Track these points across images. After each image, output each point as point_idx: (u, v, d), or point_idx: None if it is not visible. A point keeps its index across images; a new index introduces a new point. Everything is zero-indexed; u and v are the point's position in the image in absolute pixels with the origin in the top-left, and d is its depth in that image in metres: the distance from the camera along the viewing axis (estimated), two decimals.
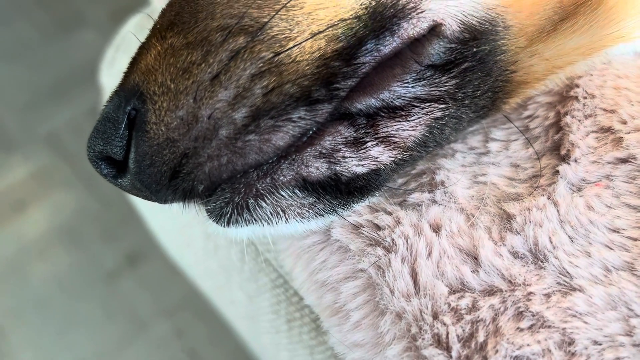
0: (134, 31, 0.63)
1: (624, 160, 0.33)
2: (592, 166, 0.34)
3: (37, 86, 1.96)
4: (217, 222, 0.33)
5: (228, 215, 0.31)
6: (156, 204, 0.34)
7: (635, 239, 0.31)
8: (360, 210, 0.34)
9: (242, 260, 0.50)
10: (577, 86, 0.36)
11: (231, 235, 0.34)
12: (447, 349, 0.28)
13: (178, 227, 0.59)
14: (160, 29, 0.32)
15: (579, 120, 0.35)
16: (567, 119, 0.35)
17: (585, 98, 0.36)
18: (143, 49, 0.33)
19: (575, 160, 0.34)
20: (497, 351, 0.28)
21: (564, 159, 0.34)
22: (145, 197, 0.34)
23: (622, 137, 0.34)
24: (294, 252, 0.36)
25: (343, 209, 0.33)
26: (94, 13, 2.13)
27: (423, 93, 0.31)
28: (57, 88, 1.94)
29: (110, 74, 0.64)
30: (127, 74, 0.33)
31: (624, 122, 0.34)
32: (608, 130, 0.35)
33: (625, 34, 0.35)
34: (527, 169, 0.35)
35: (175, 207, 0.35)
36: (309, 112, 0.29)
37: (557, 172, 0.33)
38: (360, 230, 0.33)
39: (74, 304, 1.54)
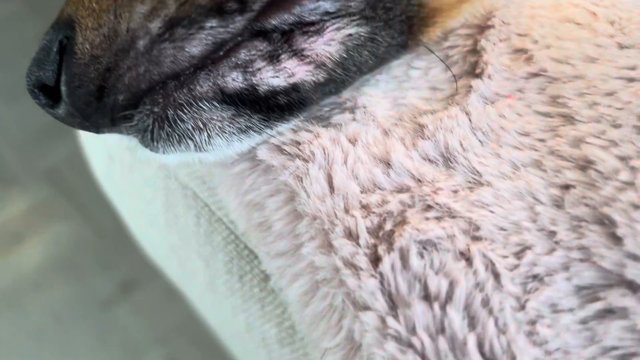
0: None
1: (535, 74, 0.35)
2: (505, 82, 0.35)
3: (38, 124, 2.00)
4: (142, 143, 0.34)
5: (150, 128, 0.33)
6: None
7: (544, 140, 0.32)
8: (285, 132, 0.35)
9: (198, 223, 0.51)
10: (494, 17, 0.38)
11: (161, 161, 0.35)
12: (357, 237, 0.29)
13: (143, 208, 0.60)
14: None
15: (494, 44, 0.37)
16: (483, 42, 0.37)
17: (501, 25, 0.38)
18: None
19: (489, 77, 0.35)
20: (401, 236, 0.28)
21: (478, 76, 0.35)
22: (81, 126, 0.36)
23: (533, 55, 0.35)
24: (228, 182, 0.38)
25: (265, 126, 0.34)
26: None
27: (332, 8, 0.33)
28: (56, 125, 1.98)
29: None
30: (62, 9, 0.35)
31: (536, 42, 0.36)
32: (521, 50, 0.36)
33: None
34: (444, 89, 0.36)
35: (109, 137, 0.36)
36: (221, 21, 0.31)
37: (471, 86, 0.35)
38: (282, 147, 0.35)
39: (69, 333, 1.54)
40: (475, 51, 0.37)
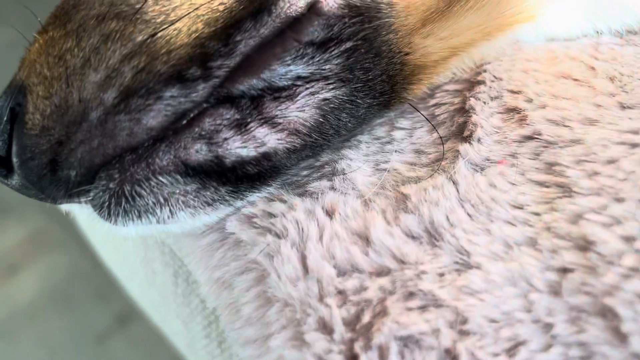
0: None
1: (529, 137, 0.32)
2: (497, 145, 0.32)
3: None
4: (101, 217, 0.31)
5: (107, 204, 0.30)
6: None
7: (539, 214, 0.29)
8: (256, 202, 0.33)
9: (175, 283, 0.48)
10: (485, 71, 0.36)
11: (122, 233, 0.32)
12: (330, 332, 0.26)
13: (122, 259, 0.57)
14: (45, 25, 0.32)
15: (484, 102, 0.34)
16: (472, 101, 0.34)
17: (492, 81, 0.35)
18: (29, 45, 0.32)
19: (478, 140, 0.32)
20: (380, 331, 0.25)
21: (467, 140, 0.32)
22: (36, 197, 0.33)
23: (527, 115, 0.33)
24: (197, 255, 0.35)
25: (234, 198, 0.31)
26: None
27: (305, 72, 0.30)
28: None
29: None
30: (15, 74, 0.33)
31: (530, 100, 0.33)
32: (513, 109, 0.33)
33: (523, 11, 0.34)
34: (430, 153, 0.33)
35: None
36: (181, 90, 0.28)
37: (458, 151, 0.32)
38: (253, 219, 0.32)
39: None
40: (463, 110, 0.34)
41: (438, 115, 0.35)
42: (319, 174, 0.34)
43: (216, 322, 0.44)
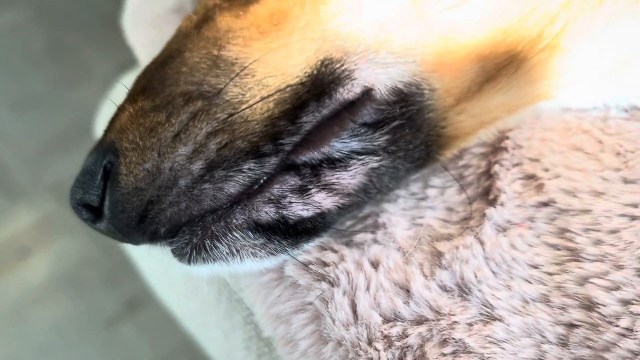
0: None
1: (545, 204, 0.38)
2: (517, 209, 0.38)
3: (45, 137, 2.02)
4: (180, 261, 0.37)
5: (188, 254, 0.35)
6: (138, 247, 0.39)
7: (551, 274, 0.35)
8: (310, 249, 0.38)
9: (219, 299, 0.54)
10: (507, 138, 0.41)
11: (194, 273, 0.38)
12: None
13: (163, 271, 0.63)
14: (133, 94, 0.37)
15: (507, 169, 0.39)
16: (496, 167, 0.39)
17: (513, 149, 0.40)
18: (119, 110, 0.38)
19: (502, 204, 0.38)
20: None
21: (492, 203, 0.38)
22: (119, 240, 0.38)
23: (544, 184, 0.38)
24: (254, 288, 0.40)
25: (293, 248, 0.37)
26: (102, 67, 2.21)
27: (359, 147, 0.36)
28: (63, 139, 2.00)
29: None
30: (105, 132, 0.38)
31: (546, 170, 0.39)
32: (532, 177, 0.39)
33: (544, 92, 0.40)
34: (459, 212, 0.39)
35: (146, 248, 0.39)
36: (257, 164, 0.34)
37: (485, 214, 0.37)
38: (309, 267, 0.37)
39: (73, 350, 1.56)
40: (488, 174, 0.40)
41: (466, 176, 0.40)
42: (362, 225, 0.39)
43: (256, 337, 0.50)
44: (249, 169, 0.34)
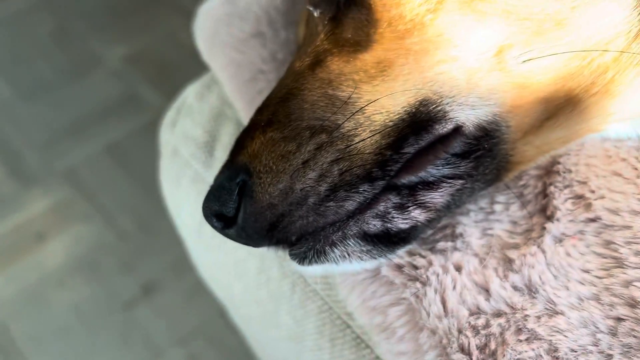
0: (194, 99, 0.76)
1: (593, 220, 0.46)
2: (570, 224, 0.46)
3: (56, 124, 2.06)
4: (299, 263, 0.45)
5: (310, 258, 0.44)
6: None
7: (600, 277, 0.44)
8: (402, 254, 0.47)
9: (293, 290, 0.62)
10: (559, 163, 0.50)
11: (307, 272, 0.46)
12: (469, 354, 0.41)
13: (231, 263, 0.71)
14: (261, 125, 0.45)
15: (560, 190, 0.48)
16: (551, 188, 0.48)
17: (564, 172, 0.49)
18: (247, 137, 0.45)
19: (557, 219, 0.46)
20: (504, 356, 0.40)
21: (549, 218, 0.47)
22: (244, 243, 0.46)
23: (591, 203, 0.47)
24: (349, 284, 0.49)
25: (390, 253, 0.45)
26: (110, 56, 2.25)
27: (449, 173, 0.44)
28: (75, 126, 2.05)
29: (172, 133, 0.76)
30: (234, 154, 0.46)
31: (593, 191, 0.47)
32: (581, 197, 0.48)
33: (594, 127, 0.48)
34: (522, 225, 0.47)
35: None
36: (369, 186, 0.42)
37: (545, 228, 0.46)
38: (402, 268, 0.46)
39: (92, 331, 1.62)
40: (544, 194, 0.48)
41: (526, 194, 0.49)
42: (442, 234, 0.48)
43: (330, 324, 0.59)
44: (364, 190, 0.42)
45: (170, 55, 2.20)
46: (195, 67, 0.79)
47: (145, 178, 1.72)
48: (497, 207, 0.49)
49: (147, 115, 1.97)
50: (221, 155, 0.70)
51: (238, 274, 0.71)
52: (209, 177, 0.71)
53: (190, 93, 0.77)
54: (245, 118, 0.64)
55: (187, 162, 0.72)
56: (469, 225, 0.48)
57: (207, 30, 0.68)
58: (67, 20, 2.40)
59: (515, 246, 0.46)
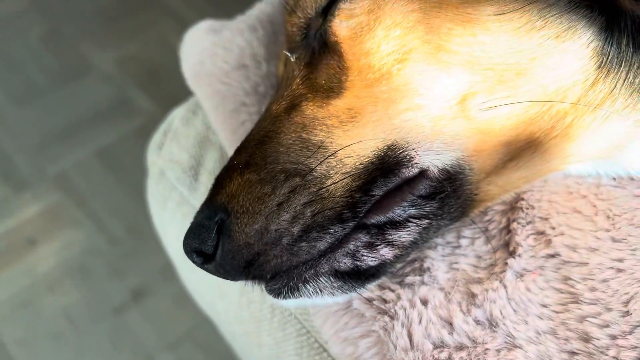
0: (180, 123, 0.79)
1: (552, 256, 0.49)
2: (531, 259, 0.49)
3: (47, 129, 2.06)
4: (274, 297, 0.48)
5: (284, 293, 0.46)
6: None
7: (557, 312, 0.47)
8: (372, 288, 0.49)
9: (273, 313, 0.65)
10: (523, 199, 0.52)
11: (282, 305, 0.49)
12: None
13: (215, 283, 0.73)
14: (239, 167, 0.47)
15: (522, 226, 0.51)
16: (514, 224, 0.51)
17: (527, 209, 0.52)
18: (226, 177, 0.48)
19: (519, 255, 0.49)
20: None
21: (512, 253, 0.49)
22: (222, 277, 0.49)
23: (551, 239, 0.50)
24: (323, 315, 0.51)
25: (360, 288, 0.48)
26: (101, 60, 2.25)
27: (415, 213, 0.47)
28: (65, 131, 2.05)
29: (159, 156, 0.78)
30: (214, 194, 0.48)
31: (553, 228, 0.50)
32: (542, 233, 0.50)
33: (555, 167, 0.51)
34: (486, 259, 0.50)
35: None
36: (340, 227, 0.45)
37: (507, 263, 0.49)
38: (372, 302, 0.48)
39: (82, 336, 1.63)
40: (508, 229, 0.51)
41: (491, 229, 0.52)
42: (410, 268, 0.51)
43: (308, 347, 0.61)
44: (334, 231, 0.45)
45: (161, 60, 2.21)
46: None
47: (135, 183, 1.73)
48: (463, 242, 0.51)
49: (139, 120, 1.98)
50: (205, 179, 0.72)
51: (221, 294, 0.74)
52: (194, 200, 0.73)
53: (177, 116, 0.79)
54: (228, 147, 0.66)
55: (172, 185, 0.75)
56: (437, 260, 0.50)
57: (193, 59, 0.71)
58: (58, 24, 2.40)
59: (479, 281, 0.49)
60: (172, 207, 0.75)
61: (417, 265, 0.50)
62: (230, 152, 0.53)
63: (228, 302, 0.72)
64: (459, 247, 0.51)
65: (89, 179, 1.97)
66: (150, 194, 0.84)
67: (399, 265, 0.51)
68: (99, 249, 1.80)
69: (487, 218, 0.52)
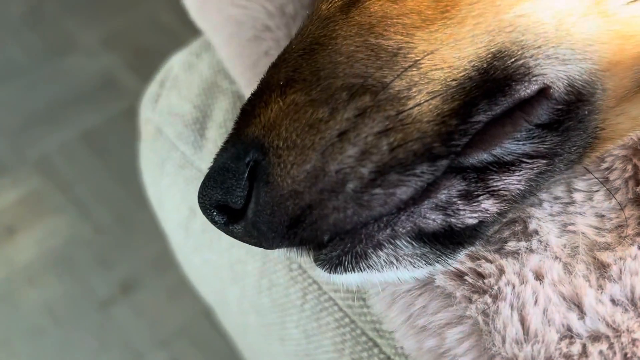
0: (180, 69, 0.65)
1: None
2: None
3: (28, 109, 1.94)
4: (330, 270, 0.34)
5: (345, 264, 0.33)
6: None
7: None
8: (461, 258, 0.36)
9: (304, 298, 0.51)
10: None
11: (339, 282, 0.35)
12: None
13: (227, 263, 0.60)
14: (279, 85, 0.33)
15: None
16: None
17: None
18: (259, 102, 0.34)
19: None
20: None
21: None
22: (254, 244, 0.35)
23: None
24: (388, 295, 0.38)
25: (451, 258, 0.34)
26: (85, 38, 2.13)
27: (531, 150, 0.33)
28: (48, 112, 1.93)
29: (154, 110, 0.64)
30: (242, 126, 0.34)
31: None
32: None
33: None
34: (612, 219, 0.37)
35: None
36: (430, 167, 0.31)
37: None
38: (464, 277, 0.35)
39: (66, 333, 1.52)
40: (636, 178, 0.38)
41: (612, 180, 0.38)
42: (510, 231, 0.37)
43: (352, 342, 0.48)
44: (422, 172, 0.31)
45: (150, 38, 2.10)
46: (177, 50, 0.68)
47: (123, 167, 1.62)
48: (577, 196, 0.38)
49: (126, 101, 1.85)
50: (214, 134, 0.58)
51: (234, 277, 0.60)
52: (199, 161, 0.59)
53: (176, 63, 0.65)
54: (245, 87, 0.52)
55: (172, 143, 0.61)
56: (544, 220, 0.37)
57: None
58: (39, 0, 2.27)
59: (607, 246, 0.35)
60: (172, 170, 0.61)
61: (518, 227, 0.37)
62: (248, 93, 0.39)
63: (242, 286, 0.59)
64: (571, 203, 0.38)
65: (72, 163, 1.85)
66: (143, 160, 0.69)
67: (494, 228, 0.37)
68: (84, 238, 1.69)
69: (604, 166, 0.39)
